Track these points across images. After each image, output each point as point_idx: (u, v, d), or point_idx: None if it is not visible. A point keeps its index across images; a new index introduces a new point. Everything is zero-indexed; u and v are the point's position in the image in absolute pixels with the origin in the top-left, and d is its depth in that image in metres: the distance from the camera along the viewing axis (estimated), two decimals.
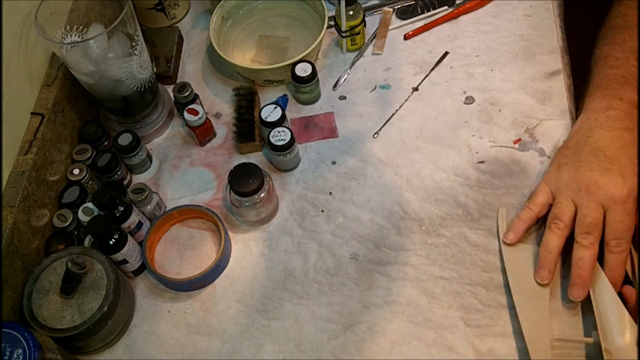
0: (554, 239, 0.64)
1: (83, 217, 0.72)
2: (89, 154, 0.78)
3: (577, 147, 0.69)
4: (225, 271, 0.73)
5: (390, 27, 0.92)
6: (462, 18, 0.91)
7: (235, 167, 0.71)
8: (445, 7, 0.92)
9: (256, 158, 0.82)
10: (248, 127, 0.81)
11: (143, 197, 0.73)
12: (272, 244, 0.75)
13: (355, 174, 0.78)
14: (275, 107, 0.78)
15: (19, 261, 0.66)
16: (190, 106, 0.80)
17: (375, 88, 0.86)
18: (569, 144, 0.71)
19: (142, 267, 0.74)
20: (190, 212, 0.76)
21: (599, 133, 0.68)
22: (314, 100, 0.86)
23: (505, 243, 0.68)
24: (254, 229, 0.76)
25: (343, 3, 0.82)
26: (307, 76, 0.81)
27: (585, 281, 0.61)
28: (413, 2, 0.93)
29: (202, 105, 0.86)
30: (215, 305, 0.71)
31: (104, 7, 0.82)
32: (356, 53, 0.90)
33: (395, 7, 0.94)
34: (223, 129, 0.86)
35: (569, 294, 0.62)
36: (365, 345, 0.66)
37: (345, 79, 0.88)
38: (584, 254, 0.62)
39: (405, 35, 0.90)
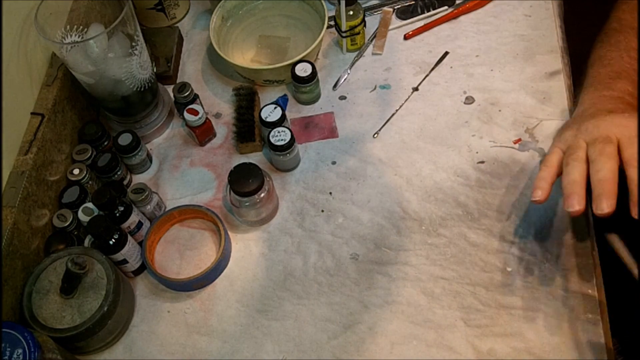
0: (575, 170, 0.60)
1: (83, 217, 0.72)
2: (89, 154, 0.78)
3: (577, 118, 0.68)
4: (225, 271, 0.73)
5: (390, 27, 0.92)
6: (462, 18, 0.91)
7: (235, 167, 0.71)
8: (445, 7, 0.92)
9: (256, 158, 0.82)
10: (248, 127, 0.81)
11: (143, 197, 0.73)
12: (272, 244, 0.75)
13: (355, 174, 0.78)
14: (275, 107, 0.78)
15: (19, 261, 0.66)
16: (190, 106, 0.80)
17: (375, 88, 0.86)
18: (569, 122, 0.70)
19: (142, 267, 0.74)
20: (190, 212, 0.76)
21: (595, 107, 0.67)
22: (314, 100, 0.86)
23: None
24: (254, 229, 0.76)
25: (343, 3, 0.82)
26: (307, 76, 0.81)
27: (611, 193, 0.56)
28: (413, 2, 0.93)
29: (202, 105, 0.86)
30: (215, 305, 0.71)
31: (104, 7, 0.82)
32: (356, 53, 0.90)
33: (395, 7, 0.94)
34: (223, 129, 0.86)
35: (595, 209, 0.57)
36: (365, 345, 0.66)
37: (345, 79, 0.88)
38: (601, 167, 0.58)
39: (405, 35, 0.90)
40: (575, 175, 0.60)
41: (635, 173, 0.57)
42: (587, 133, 0.63)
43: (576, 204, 0.58)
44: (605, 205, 0.56)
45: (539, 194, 0.63)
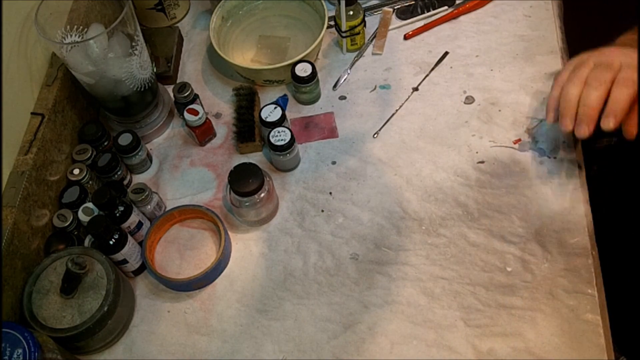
0: (572, 90, 0.64)
1: (83, 217, 0.72)
2: (89, 154, 0.78)
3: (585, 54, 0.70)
4: (225, 271, 0.73)
5: (390, 27, 0.92)
6: (462, 18, 0.91)
7: (235, 167, 0.71)
8: (445, 7, 0.92)
9: (256, 158, 0.82)
10: (248, 127, 0.81)
11: (143, 197, 0.73)
12: (272, 244, 0.75)
13: (355, 174, 0.78)
14: (275, 107, 0.78)
15: (19, 261, 0.66)
16: (190, 106, 0.80)
17: (375, 88, 0.86)
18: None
19: (142, 267, 0.74)
20: (190, 212, 0.76)
21: (619, 43, 0.69)
22: (314, 100, 0.86)
23: None
24: (254, 229, 0.76)
25: (343, 3, 0.82)
26: (307, 76, 0.81)
27: (591, 119, 0.62)
28: (413, 2, 0.93)
29: (202, 105, 0.86)
30: (215, 305, 0.71)
31: (104, 7, 0.82)
32: (356, 53, 0.90)
33: (395, 7, 0.94)
34: (223, 129, 0.86)
35: (575, 131, 0.63)
36: (365, 345, 0.66)
37: (345, 79, 0.88)
38: (589, 93, 0.62)
39: (405, 35, 0.90)
40: (571, 95, 0.65)
41: (617, 92, 0.62)
42: (598, 56, 0.66)
43: (569, 124, 0.64)
44: (583, 130, 0.63)
45: (551, 117, 0.68)
